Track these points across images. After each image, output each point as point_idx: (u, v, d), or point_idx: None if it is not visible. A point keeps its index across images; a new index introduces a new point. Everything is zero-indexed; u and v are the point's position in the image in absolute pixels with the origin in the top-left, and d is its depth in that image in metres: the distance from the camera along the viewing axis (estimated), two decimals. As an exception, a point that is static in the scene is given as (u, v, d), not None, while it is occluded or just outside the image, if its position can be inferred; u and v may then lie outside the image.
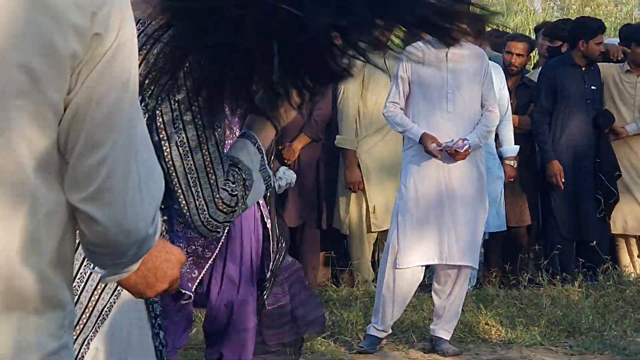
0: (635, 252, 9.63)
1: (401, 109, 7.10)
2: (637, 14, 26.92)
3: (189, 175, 2.64)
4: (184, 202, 2.59)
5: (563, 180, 9.14)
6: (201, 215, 2.60)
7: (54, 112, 1.50)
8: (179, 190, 2.64)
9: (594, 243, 8.92)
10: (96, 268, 2.14)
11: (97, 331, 2.59)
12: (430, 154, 7.01)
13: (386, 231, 7.84)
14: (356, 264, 8.98)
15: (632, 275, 9.21)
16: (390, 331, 7.26)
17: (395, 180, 7.99)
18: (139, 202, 1.59)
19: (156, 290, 2.27)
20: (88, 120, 1.51)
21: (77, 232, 1.62)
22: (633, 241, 9.50)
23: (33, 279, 1.52)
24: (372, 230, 8.89)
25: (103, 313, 2.58)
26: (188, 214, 2.59)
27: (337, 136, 8.23)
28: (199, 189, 2.60)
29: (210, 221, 2.63)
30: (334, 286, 8.95)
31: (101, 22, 1.49)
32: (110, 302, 2.60)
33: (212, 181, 2.56)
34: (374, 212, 8.80)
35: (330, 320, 7.70)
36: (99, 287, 2.49)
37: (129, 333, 2.67)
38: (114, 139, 1.54)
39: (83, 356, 2.28)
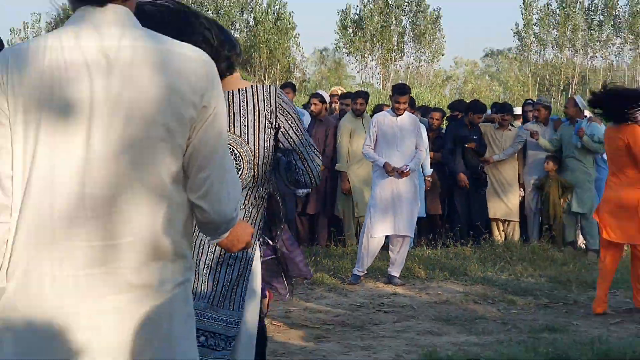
0: (501, 228, 12.63)
1: (372, 149, 9.39)
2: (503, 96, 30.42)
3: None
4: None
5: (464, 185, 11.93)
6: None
7: (180, 150, 2.15)
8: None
9: (478, 223, 11.95)
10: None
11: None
12: (388, 174, 9.23)
13: (363, 216, 10.18)
14: (347, 234, 11.67)
15: (499, 241, 12.19)
16: (366, 272, 9.39)
17: (369, 188, 10.43)
18: (226, 200, 2.25)
19: (238, 248, 2.94)
20: (199, 155, 2.18)
21: (194, 216, 2.29)
22: (499, 223, 12.52)
23: (169, 242, 2.16)
24: (356, 216, 11.55)
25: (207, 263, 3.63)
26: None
27: (337, 164, 10.85)
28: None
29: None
30: (334, 246, 11.51)
31: (206, 100, 2.14)
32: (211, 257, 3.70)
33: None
34: (356, 206, 11.44)
35: (332, 266, 10.10)
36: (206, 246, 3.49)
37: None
38: (213, 165, 2.19)
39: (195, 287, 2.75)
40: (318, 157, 3.73)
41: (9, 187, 2.11)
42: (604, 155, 10.81)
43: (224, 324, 3.65)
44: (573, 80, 32.81)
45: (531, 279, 9.80)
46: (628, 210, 7.58)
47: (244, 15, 34.17)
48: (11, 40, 33.18)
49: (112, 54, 2.08)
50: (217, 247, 3.49)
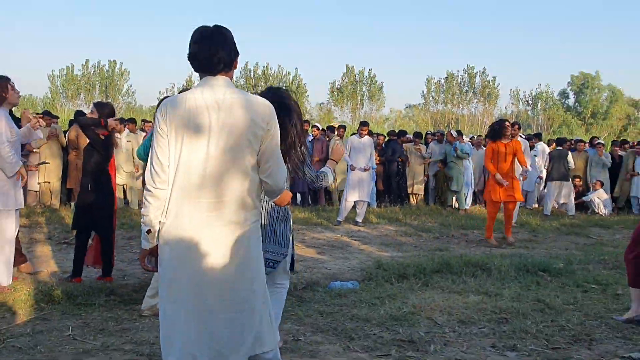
0: (414, 198, 13.19)
1: (348, 155, 10.09)
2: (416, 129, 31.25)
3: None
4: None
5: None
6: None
7: (255, 151, 2.26)
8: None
9: (402, 194, 12.86)
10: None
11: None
12: (354, 169, 10.09)
13: (343, 190, 10.82)
14: (334, 199, 12.54)
15: (414, 204, 12.87)
16: (343, 219, 10.16)
17: (344, 175, 11.08)
18: (279, 178, 2.37)
19: (284, 204, 2.91)
20: (265, 154, 2.30)
21: (262, 187, 2.38)
22: (414, 195, 13.13)
23: (249, 199, 2.30)
24: (338, 189, 12.37)
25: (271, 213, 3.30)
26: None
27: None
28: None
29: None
30: (328, 205, 12.33)
31: (268, 125, 2.28)
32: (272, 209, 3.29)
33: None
34: (338, 185, 12.13)
35: (326, 215, 10.66)
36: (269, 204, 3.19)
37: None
38: (272, 159, 2.32)
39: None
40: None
41: (167, 171, 2.29)
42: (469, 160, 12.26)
43: (271, 252, 3.30)
44: (452, 121, 36.42)
45: (429, 224, 10.39)
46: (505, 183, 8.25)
47: (281, 84, 37.14)
48: (162, 93, 34.45)
49: (220, 101, 2.26)
50: (269, 205, 3.23)
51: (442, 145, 13.10)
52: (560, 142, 13.21)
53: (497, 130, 8.40)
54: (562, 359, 3.69)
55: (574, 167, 12.58)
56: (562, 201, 12.46)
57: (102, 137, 5.31)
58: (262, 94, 3.05)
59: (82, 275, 5.40)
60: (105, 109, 5.40)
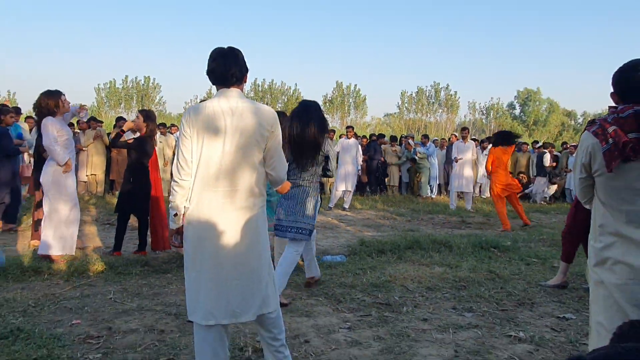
0: (394, 189, 12.98)
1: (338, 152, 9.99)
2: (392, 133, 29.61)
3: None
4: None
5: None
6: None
7: (262, 149, 2.25)
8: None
9: (380, 186, 12.81)
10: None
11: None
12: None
13: (333, 182, 10.82)
14: (325, 190, 12.11)
15: (390, 194, 12.65)
16: (333, 206, 10.15)
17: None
18: (282, 171, 2.35)
19: (284, 192, 2.62)
20: (269, 151, 2.29)
21: (268, 177, 2.36)
22: (390, 186, 12.96)
23: (257, 189, 2.28)
24: (329, 182, 12.06)
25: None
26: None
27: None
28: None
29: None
30: (322, 195, 12.23)
31: (272, 128, 2.26)
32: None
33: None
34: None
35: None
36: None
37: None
38: (275, 155, 2.31)
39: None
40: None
41: (191, 165, 2.28)
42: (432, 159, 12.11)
43: (308, 223, 3.60)
44: (421, 128, 36.23)
45: (403, 209, 10.28)
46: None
47: (283, 96, 36.89)
48: (187, 103, 34.55)
49: (233, 108, 2.24)
50: (297, 191, 3.58)
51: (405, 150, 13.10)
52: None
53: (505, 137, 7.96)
54: (509, 319, 3.71)
55: (548, 165, 12.64)
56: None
57: (131, 140, 5.24)
58: (301, 104, 3.53)
59: (121, 250, 5.37)
60: (143, 114, 5.32)
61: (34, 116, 6.24)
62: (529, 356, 3.02)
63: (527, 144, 14.93)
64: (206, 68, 2.31)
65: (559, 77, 61.56)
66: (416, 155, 12.23)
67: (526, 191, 12.93)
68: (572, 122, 45.26)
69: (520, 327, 3.51)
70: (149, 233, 5.44)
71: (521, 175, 13.16)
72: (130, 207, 5.29)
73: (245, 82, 2.36)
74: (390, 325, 3.45)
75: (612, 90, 2.06)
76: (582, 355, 1.11)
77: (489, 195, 13.33)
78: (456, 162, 10.24)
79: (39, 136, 5.05)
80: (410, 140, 12.99)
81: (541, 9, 61.26)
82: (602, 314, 2.06)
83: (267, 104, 38.93)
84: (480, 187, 12.82)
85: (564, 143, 15.19)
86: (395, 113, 41.79)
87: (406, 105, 41.64)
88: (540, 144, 14.34)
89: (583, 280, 4.89)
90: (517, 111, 45.38)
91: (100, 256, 5.12)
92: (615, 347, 1.09)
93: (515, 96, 45.35)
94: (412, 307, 3.90)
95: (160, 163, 11.07)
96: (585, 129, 2.17)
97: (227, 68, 2.25)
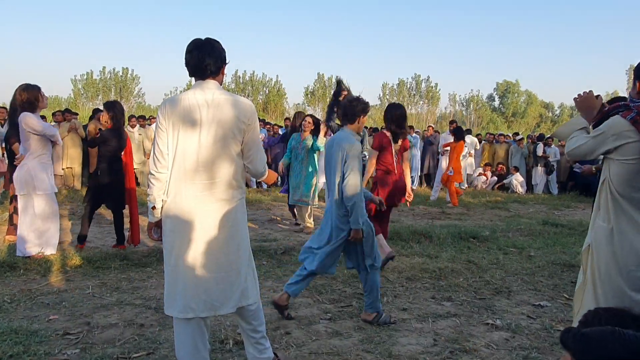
0: None
1: None
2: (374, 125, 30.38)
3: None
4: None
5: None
6: None
7: (239, 142, 2.25)
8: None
9: None
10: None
11: None
12: None
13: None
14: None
15: None
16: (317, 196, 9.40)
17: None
18: (260, 164, 2.35)
19: (270, 183, 3.10)
20: (247, 144, 2.28)
21: (246, 170, 2.35)
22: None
23: (235, 182, 2.28)
24: None
25: None
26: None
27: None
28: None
29: None
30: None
31: (250, 121, 2.26)
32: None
33: None
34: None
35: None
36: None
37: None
38: (253, 148, 2.30)
39: None
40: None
41: (167, 158, 2.26)
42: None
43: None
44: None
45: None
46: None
47: (265, 88, 36.89)
48: (167, 95, 34.07)
49: (209, 100, 2.22)
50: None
51: None
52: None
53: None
54: (487, 307, 3.79)
55: (540, 154, 12.85)
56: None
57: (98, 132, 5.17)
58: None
59: (85, 244, 5.29)
60: (106, 106, 5.18)
61: (7, 107, 6.14)
62: (505, 343, 3.10)
63: (505, 135, 15.17)
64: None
65: (537, 69, 62.59)
66: None
67: (505, 181, 13.11)
68: (550, 114, 46.09)
69: (497, 315, 3.59)
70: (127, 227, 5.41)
71: (500, 166, 13.39)
72: (104, 200, 5.21)
73: (223, 73, 2.33)
74: (370, 316, 3.47)
75: (637, 80, 2.20)
76: (578, 329, 1.28)
77: (467, 187, 13.54)
78: (442, 154, 10.31)
79: (11, 128, 4.93)
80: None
81: (520, 1, 61.93)
82: (600, 284, 2.22)
83: (248, 95, 38.88)
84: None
85: (542, 136, 15.51)
86: (376, 105, 41.97)
87: (387, 97, 41.98)
88: (521, 136, 14.45)
89: (558, 267, 5.01)
90: (497, 103, 46.02)
91: (78, 250, 5.08)
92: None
93: (494, 88, 46.00)
94: (392, 297, 3.94)
95: (140, 156, 11.07)
96: (615, 112, 2.23)
97: (202, 60, 2.23)
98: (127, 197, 5.29)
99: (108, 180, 5.11)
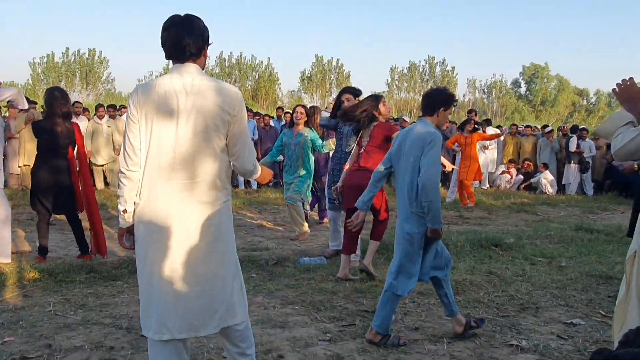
0: None
1: None
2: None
3: None
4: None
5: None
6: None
7: (224, 135, 2.25)
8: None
9: None
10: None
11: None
12: None
13: None
14: None
15: None
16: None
17: None
18: (248, 160, 2.36)
19: (265, 182, 2.68)
20: (233, 138, 2.28)
21: (233, 168, 2.36)
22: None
23: (219, 181, 2.29)
24: None
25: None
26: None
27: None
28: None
29: None
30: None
31: (235, 111, 2.25)
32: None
33: None
34: None
35: None
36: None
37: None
38: (240, 143, 2.30)
39: None
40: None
41: (139, 153, 2.28)
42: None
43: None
44: (414, 108, 36.85)
45: (392, 202, 9.77)
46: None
47: (254, 73, 37.65)
48: (140, 80, 34.45)
49: (187, 86, 2.24)
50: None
51: None
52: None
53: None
54: (511, 326, 3.80)
55: (573, 150, 12.83)
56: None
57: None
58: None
59: (47, 256, 5.29)
60: (45, 94, 5.14)
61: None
62: (532, 367, 3.10)
63: (533, 127, 15.21)
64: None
65: (570, 51, 62.54)
66: None
67: (532, 180, 13.15)
68: (584, 102, 46.17)
69: (522, 335, 3.59)
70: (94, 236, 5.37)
71: (526, 162, 13.41)
72: (49, 205, 5.14)
73: (205, 56, 2.33)
74: (376, 336, 3.47)
75: None
76: (611, 350, 1.19)
77: (489, 187, 13.55)
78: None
79: None
80: (405, 118, 13.05)
81: (549, -28, 61.84)
82: None
83: (234, 81, 38.70)
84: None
85: (576, 128, 15.51)
86: (384, 92, 42.05)
87: (396, 82, 42.12)
88: (550, 127, 14.46)
89: (593, 280, 5.02)
90: (523, 89, 46.19)
91: (36, 262, 5.08)
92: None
93: (520, 72, 46.19)
94: (402, 315, 3.94)
95: (109, 151, 11.07)
96: None
97: (180, 39, 2.22)
98: (81, 199, 5.23)
99: (45, 180, 5.04)
